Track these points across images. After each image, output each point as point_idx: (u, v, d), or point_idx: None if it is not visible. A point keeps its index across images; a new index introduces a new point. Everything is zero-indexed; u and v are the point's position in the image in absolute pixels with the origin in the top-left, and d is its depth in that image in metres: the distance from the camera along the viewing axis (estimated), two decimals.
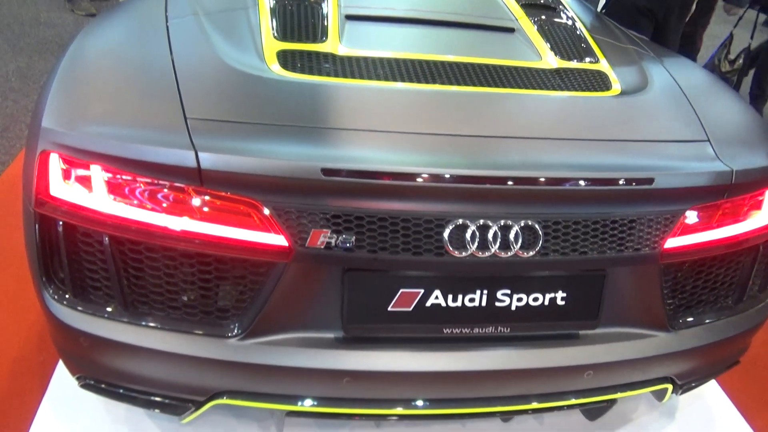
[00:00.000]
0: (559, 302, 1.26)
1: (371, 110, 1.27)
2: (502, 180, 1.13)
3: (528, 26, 1.73)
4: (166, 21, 1.51)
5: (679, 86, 1.56)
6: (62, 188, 1.16)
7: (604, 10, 3.01)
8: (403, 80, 1.37)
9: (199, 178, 1.09)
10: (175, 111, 1.18)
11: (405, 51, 1.49)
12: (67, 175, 1.16)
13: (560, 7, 1.90)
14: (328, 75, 1.35)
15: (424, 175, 1.11)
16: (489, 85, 1.40)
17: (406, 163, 1.12)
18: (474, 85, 1.39)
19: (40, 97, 1.31)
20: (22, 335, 1.83)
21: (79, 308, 1.23)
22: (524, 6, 1.83)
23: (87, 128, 1.15)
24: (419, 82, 1.37)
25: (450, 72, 1.43)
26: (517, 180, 1.14)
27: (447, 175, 1.12)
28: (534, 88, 1.43)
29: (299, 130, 1.18)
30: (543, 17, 1.80)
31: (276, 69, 1.34)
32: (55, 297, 1.24)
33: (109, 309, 1.22)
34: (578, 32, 1.76)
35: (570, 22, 1.81)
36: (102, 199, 1.14)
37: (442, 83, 1.38)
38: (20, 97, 3.35)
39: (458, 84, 1.39)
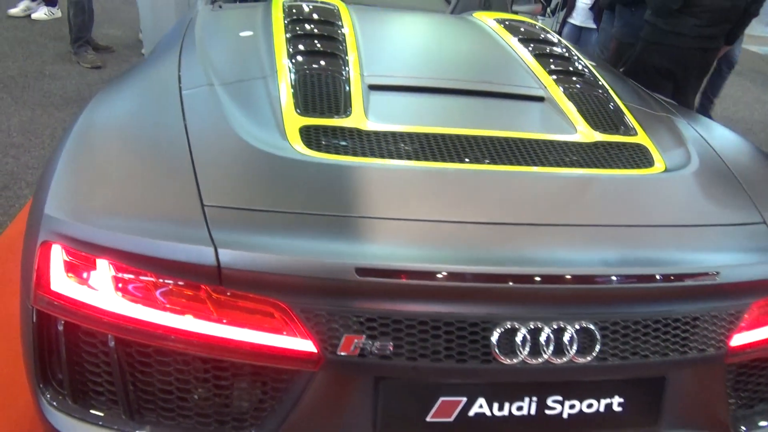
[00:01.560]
0: (616, 408, 1.12)
1: (407, 196, 1.17)
2: (556, 279, 1.02)
3: (557, 94, 1.64)
4: (180, 93, 1.43)
5: (722, 159, 1.46)
6: (65, 283, 1.04)
7: (621, 70, 2.98)
8: (436, 159, 1.27)
9: (219, 277, 0.98)
10: (191, 198, 1.07)
11: (435, 125, 1.40)
12: (70, 269, 1.04)
13: (587, 71, 1.83)
14: (356, 154, 1.25)
15: (469, 275, 0.99)
16: (527, 163, 1.30)
17: (449, 260, 1.01)
18: (512, 163, 1.29)
19: (42, 178, 1.21)
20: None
21: (80, 416, 1.09)
22: (551, 71, 1.76)
23: (94, 218, 1.04)
24: (454, 161, 1.27)
25: (484, 148, 1.33)
26: (573, 278, 1.02)
27: (495, 274, 1.00)
28: (575, 166, 1.33)
29: (328, 220, 1.07)
30: (572, 83, 1.72)
31: (299, 148, 1.24)
32: (54, 403, 1.11)
33: (112, 417, 1.09)
34: (609, 99, 1.68)
35: (600, 89, 1.73)
36: (109, 296, 1.02)
37: (478, 162, 1.28)
38: (21, 153, 3.26)
39: (495, 162, 1.29)
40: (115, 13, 6.11)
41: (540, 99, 1.62)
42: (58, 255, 1.05)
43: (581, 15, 4.11)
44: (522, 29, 2.09)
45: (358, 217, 1.07)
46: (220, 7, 2.29)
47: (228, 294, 1.00)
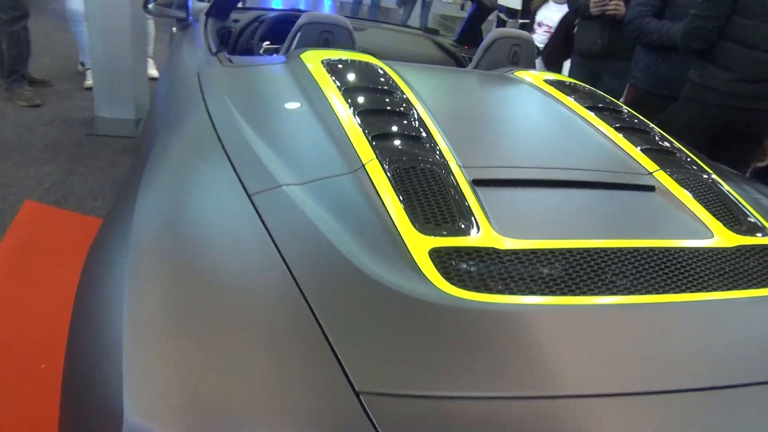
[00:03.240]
0: None
1: (598, 359, 0.87)
2: None
3: (666, 180, 1.41)
4: (249, 198, 1.08)
5: None
6: None
7: None
8: (600, 288, 0.99)
9: None
10: (335, 380, 0.73)
11: (570, 237, 1.10)
12: None
13: (670, 144, 1.61)
14: (511, 289, 0.94)
15: None
16: (688, 288, 1.03)
17: None
18: (681, 288, 1.02)
19: (97, 358, 0.82)
20: None
21: None
22: (645, 150, 1.52)
23: (200, 422, 0.69)
24: (618, 290, 0.99)
25: (640, 267, 1.05)
26: None
27: None
28: (740, 286, 1.08)
29: (521, 406, 0.76)
30: (672, 164, 1.48)
31: (443, 285, 0.93)
32: None
33: None
34: (716, 183, 1.47)
35: (705, 174, 1.51)
36: None
37: (644, 290, 1.01)
38: None
39: (668, 289, 1.02)
40: (44, 40, 5.49)
41: (651, 188, 1.38)
42: None
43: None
44: (584, 93, 1.86)
45: (552, 398, 0.77)
46: (230, 61, 1.93)
47: None
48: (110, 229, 1.14)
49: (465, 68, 2.27)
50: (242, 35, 3.08)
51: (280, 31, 3.04)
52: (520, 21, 5.58)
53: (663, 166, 1.43)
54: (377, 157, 1.21)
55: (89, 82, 4.39)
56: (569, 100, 1.76)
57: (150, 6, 2.86)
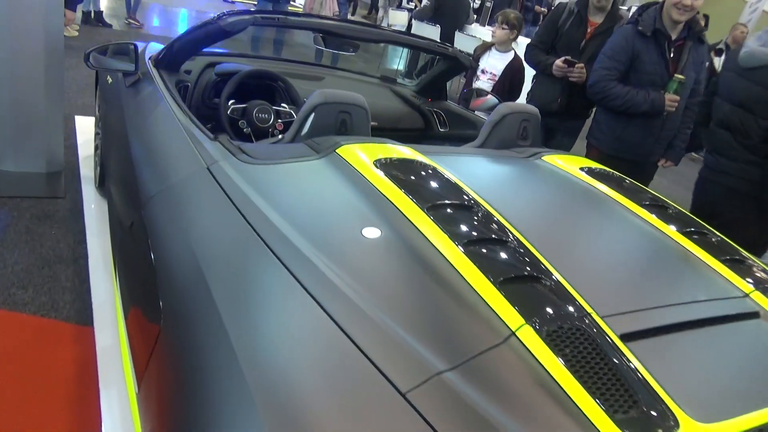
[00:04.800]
0: None
1: None
2: None
3: (764, 302, 1.39)
4: (404, 398, 0.89)
5: None
6: None
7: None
8: None
9: None
10: None
11: (752, 406, 1.04)
12: None
13: (739, 254, 1.62)
14: None
15: None
16: None
17: None
18: None
19: None
20: None
21: None
22: (729, 266, 1.49)
23: None
24: None
25: None
26: None
27: None
28: None
29: None
30: (759, 282, 1.48)
31: None
32: None
33: None
34: None
35: None
36: None
37: None
38: None
39: None
40: None
41: (755, 315, 1.36)
42: None
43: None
44: (634, 191, 1.85)
45: None
46: (242, 150, 1.66)
47: None
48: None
49: (483, 147, 2.15)
50: (204, 92, 2.75)
51: (245, 86, 2.75)
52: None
53: (753, 283, 1.42)
54: (526, 321, 1.05)
55: None
56: (632, 204, 1.72)
57: (91, 60, 2.45)
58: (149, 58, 2.65)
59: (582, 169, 1.94)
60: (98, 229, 2.92)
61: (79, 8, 6.81)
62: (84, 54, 2.44)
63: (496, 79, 3.94)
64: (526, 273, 1.20)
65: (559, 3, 3.42)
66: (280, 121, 2.79)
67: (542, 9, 10.14)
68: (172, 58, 2.57)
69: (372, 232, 1.29)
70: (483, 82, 3.98)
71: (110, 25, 8.06)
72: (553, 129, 3.51)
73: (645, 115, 2.90)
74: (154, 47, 2.97)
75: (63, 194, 3.20)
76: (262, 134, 2.76)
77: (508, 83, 3.93)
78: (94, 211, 3.08)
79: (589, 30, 3.35)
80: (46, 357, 2.08)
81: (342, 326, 1.03)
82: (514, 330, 1.04)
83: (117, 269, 1.96)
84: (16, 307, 2.31)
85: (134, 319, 1.56)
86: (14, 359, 2.05)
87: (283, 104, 2.85)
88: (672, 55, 2.89)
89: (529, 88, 3.68)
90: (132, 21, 8.73)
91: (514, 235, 1.34)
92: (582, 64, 3.23)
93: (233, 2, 13.22)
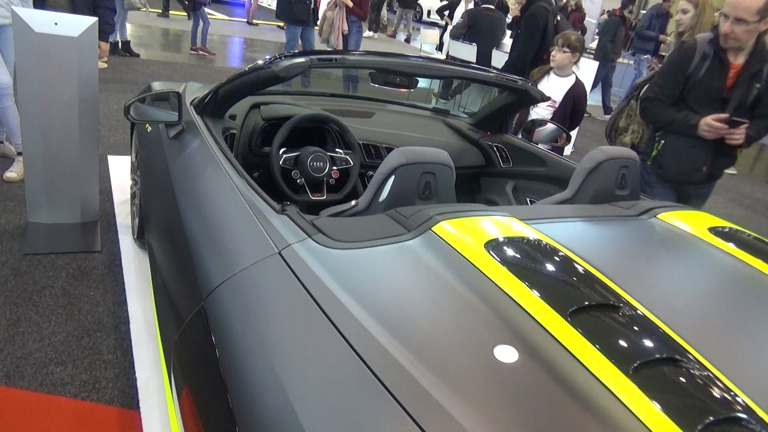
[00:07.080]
0: None
1: None
2: None
3: None
4: None
5: None
6: None
7: None
8: None
9: None
10: None
11: None
12: None
13: None
14: None
15: None
16: None
17: None
18: None
19: None
20: None
21: None
22: None
23: None
24: None
25: None
26: None
27: None
28: None
29: None
30: None
31: None
32: None
33: None
34: None
35: None
36: None
37: None
38: None
39: None
40: None
41: None
42: None
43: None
44: None
45: None
46: (317, 229, 1.40)
47: None
48: None
49: (595, 206, 1.86)
50: (251, 138, 2.51)
51: (294, 131, 2.51)
52: None
53: None
54: None
55: (12, 173, 3.54)
56: None
57: (132, 113, 2.22)
58: (191, 104, 2.42)
59: (711, 230, 1.64)
60: (138, 288, 2.68)
61: None
62: (124, 107, 2.21)
63: (556, 106, 3.64)
64: (722, 416, 0.91)
65: (685, 44, 2.69)
66: (335, 168, 2.53)
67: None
68: (217, 105, 2.34)
69: (507, 354, 1.00)
70: (542, 109, 3.70)
71: (138, 55, 7.95)
72: (687, 194, 2.88)
73: None
74: (193, 87, 2.75)
75: (100, 248, 2.98)
76: (316, 184, 2.51)
77: (570, 110, 3.64)
78: (134, 268, 2.85)
79: (730, 74, 2.60)
80: None
81: None
82: None
83: (164, 348, 1.70)
84: (55, 389, 2.07)
85: (194, 420, 1.30)
86: None
87: (338, 149, 2.60)
88: None
89: (652, 150, 2.86)
90: (202, 51, 8.65)
91: (685, 349, 1.05)
92: (747, 123, 2.54)
93: (256, 25, 13.17)
